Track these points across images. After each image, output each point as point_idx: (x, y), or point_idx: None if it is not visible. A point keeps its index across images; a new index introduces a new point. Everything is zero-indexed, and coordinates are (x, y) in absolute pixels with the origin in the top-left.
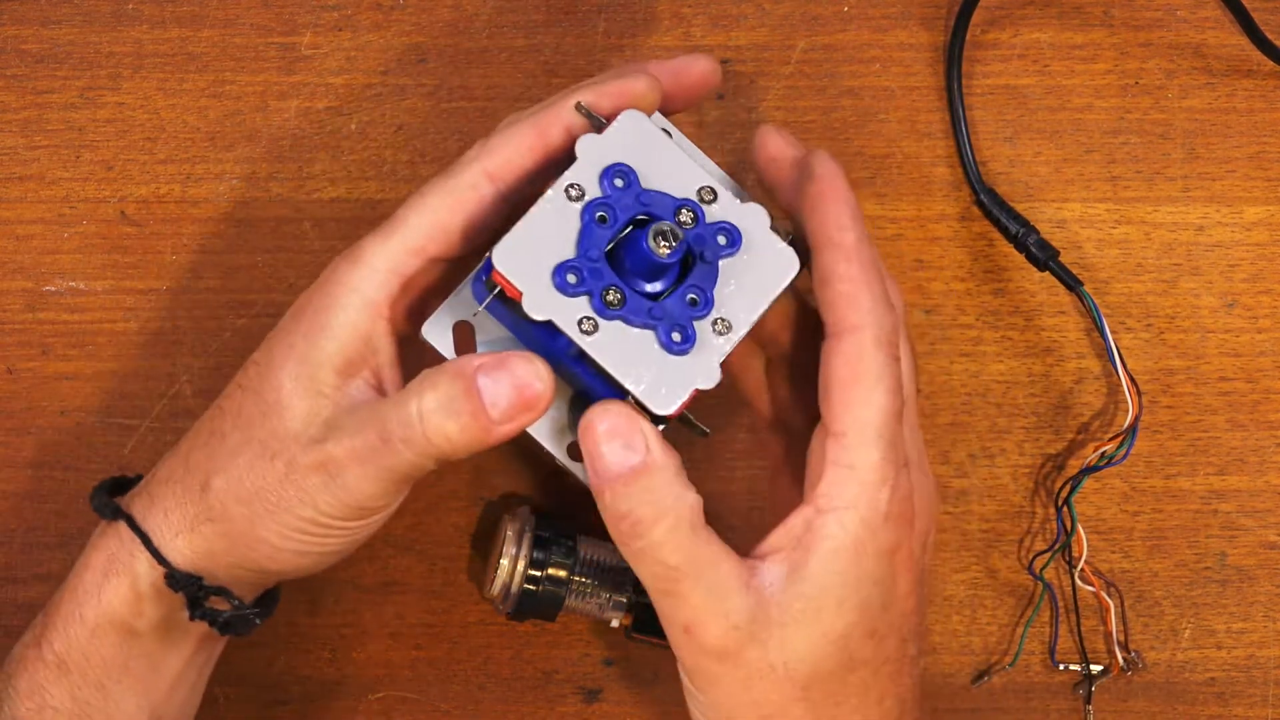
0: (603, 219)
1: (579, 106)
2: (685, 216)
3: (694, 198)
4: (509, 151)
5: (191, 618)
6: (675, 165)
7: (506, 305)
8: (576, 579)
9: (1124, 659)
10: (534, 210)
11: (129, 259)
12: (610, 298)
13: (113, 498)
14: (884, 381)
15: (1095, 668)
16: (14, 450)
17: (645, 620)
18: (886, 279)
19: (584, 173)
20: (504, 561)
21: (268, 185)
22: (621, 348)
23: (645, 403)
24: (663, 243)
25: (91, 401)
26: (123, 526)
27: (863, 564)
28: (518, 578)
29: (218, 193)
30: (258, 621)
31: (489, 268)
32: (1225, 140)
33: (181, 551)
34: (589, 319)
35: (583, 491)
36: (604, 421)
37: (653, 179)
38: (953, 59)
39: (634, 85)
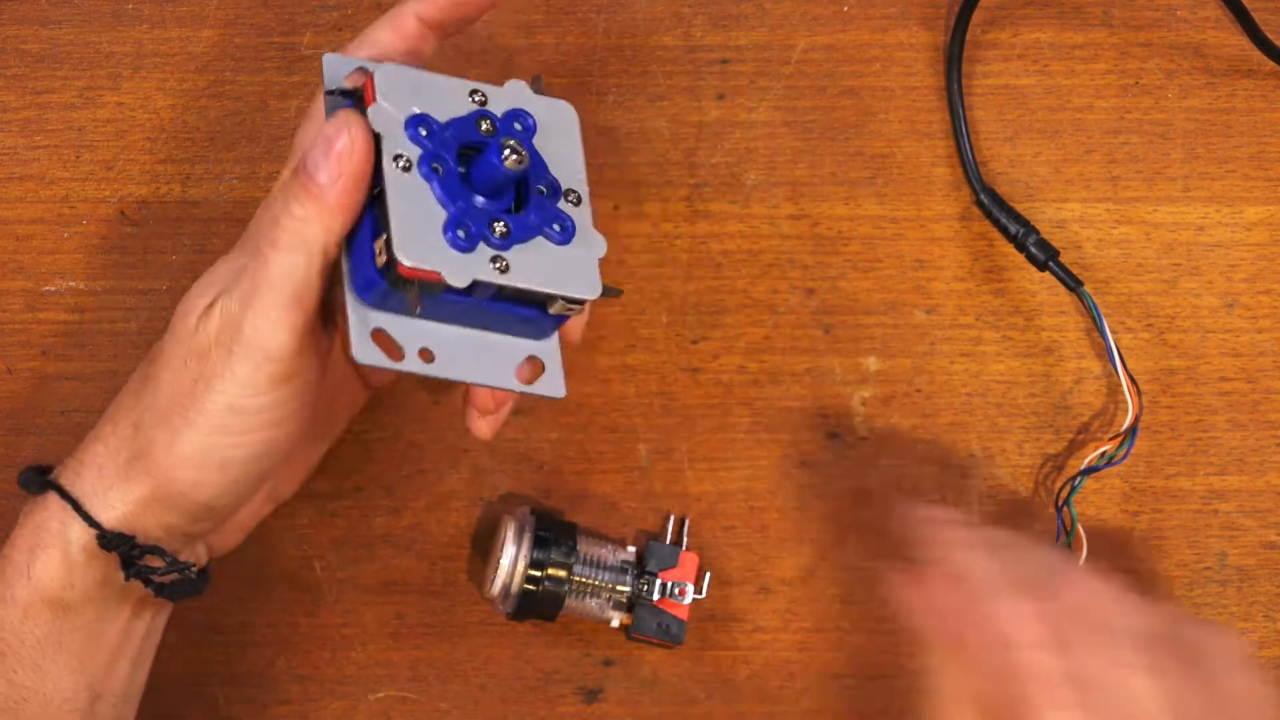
0: (436, 169)
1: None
2: (486, 126)
3: (474, 105)
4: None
5: (127, 577)
6: (443, 88)
7: (404, 290)
8: (576, 579)
9: None
10: (391, 198)
11: (129, 259)
12: (499, 230)
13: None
14: None
15: None
16: (14, 450)
17: (645, 620)
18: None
19: (395, 141)
20: (504, 561)
21: (268, 185)
22: (535, 267)
23: (581, 297)
24: (513, 156)
25: (91, 401)
26: (51, 499)
27: None
28: (518, 578)
29: (218, 193)
30: (193, 574)
31: (370, 275)
32: (1225, 140)
33: (114, 508)
34: (497, 259)
35: (580, 489)
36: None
37: (437, 109)
38: (952, 59)
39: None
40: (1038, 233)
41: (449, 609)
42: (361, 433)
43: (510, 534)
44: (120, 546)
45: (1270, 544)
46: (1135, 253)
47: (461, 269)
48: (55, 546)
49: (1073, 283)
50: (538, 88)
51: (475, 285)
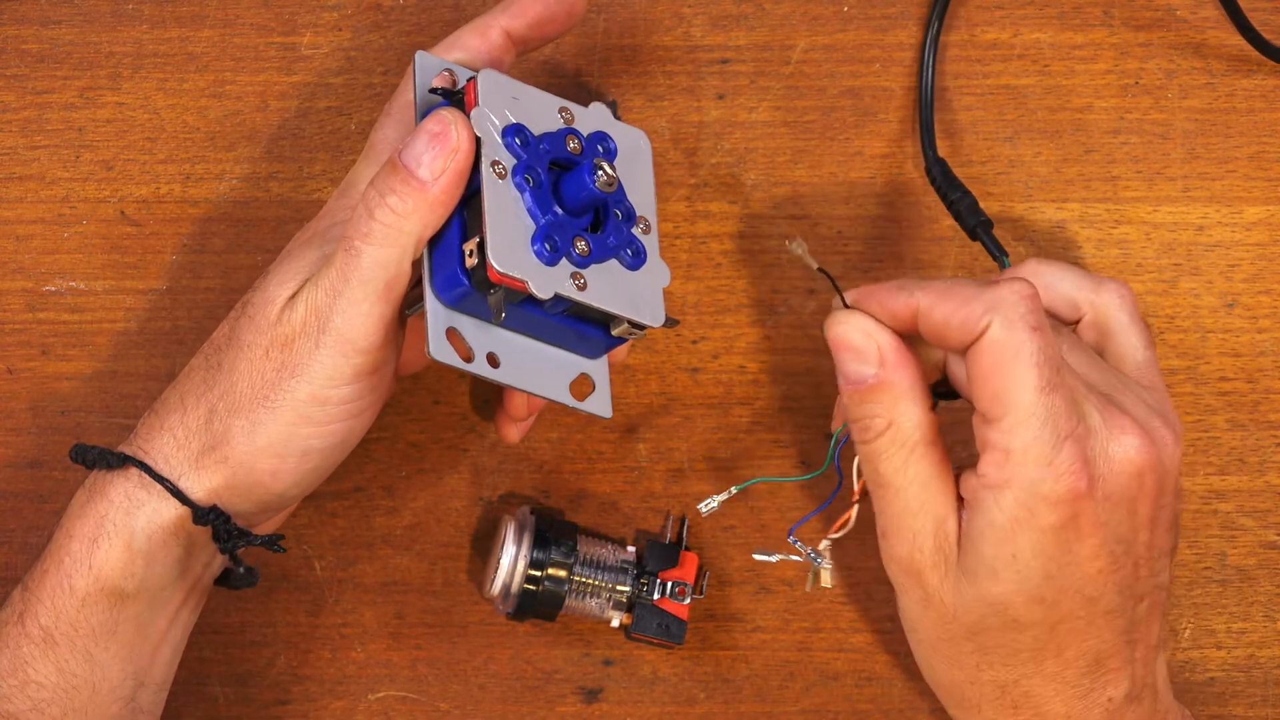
0: (530, 181)
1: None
2: (573, 144)
3: (562, 122)
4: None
5: (222, 550)
6: (535, 101)
7: (485, 294)
8: (576, 578)
9: None
10: (488, 203)
11: (129, 259)
12: (580, 248)
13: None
14: (1021, 359)
15: None
16: (14, 450)
17: (645, 620)
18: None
19: (493, 147)
20: (504, 561)
21: (268, 185)
22: (608, 287)
23: (648, 324)
24: (604, 177)
25: (91, 401)
26: (113, 487)
27: (1019, 540)
28: (518, 578)
29: (218, 193)
30: (268, 548)
31: (453, 275)
32: (1225, 140)
33: (191, 493)
34: (576, 275)
35: (580, 489)
36: (841, 330)
37: (530, 121)
38: (933, 17)
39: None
40: (973, 197)
41: (449, 609)
42: None
43: (510, 534)
44: (215, 520)
45: (1270, 544)
46: (1135, 253)
47: (546, 281)
48: (118, 536)
49: (999, 253)
50: (615, 113)
51: (553, 299)
